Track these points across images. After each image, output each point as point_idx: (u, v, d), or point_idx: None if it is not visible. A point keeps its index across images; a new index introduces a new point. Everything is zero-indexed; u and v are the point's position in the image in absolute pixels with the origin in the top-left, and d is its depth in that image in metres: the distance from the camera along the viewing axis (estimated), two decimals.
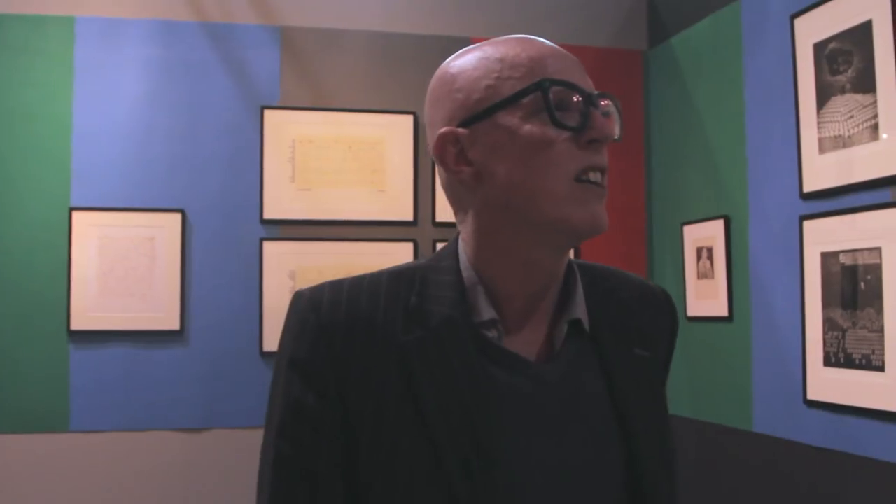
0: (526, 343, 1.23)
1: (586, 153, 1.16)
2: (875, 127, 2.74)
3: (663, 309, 1.39)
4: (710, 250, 3.65)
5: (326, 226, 3.85)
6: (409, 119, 3.93)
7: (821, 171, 2.99)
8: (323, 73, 3.92)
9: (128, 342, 3.67)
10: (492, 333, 1.21)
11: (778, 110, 3.25)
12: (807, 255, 3.06)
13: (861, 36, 2.84)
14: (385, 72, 3.97)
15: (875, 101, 2.76)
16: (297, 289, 3.68)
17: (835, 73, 2.95)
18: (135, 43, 3.74)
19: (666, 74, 4.10)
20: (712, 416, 3.66)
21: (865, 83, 2.81)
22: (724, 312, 3.56)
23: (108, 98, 3.70)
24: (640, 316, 1.34)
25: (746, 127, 3.45)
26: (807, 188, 3.06)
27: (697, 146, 3.81)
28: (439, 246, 3.91)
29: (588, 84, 1.20)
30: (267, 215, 3.80)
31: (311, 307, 1.22)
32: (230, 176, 3.80)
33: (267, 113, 3.83)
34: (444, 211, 3.93)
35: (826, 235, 2.96)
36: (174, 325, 3.69)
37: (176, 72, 3.78)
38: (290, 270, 3.79)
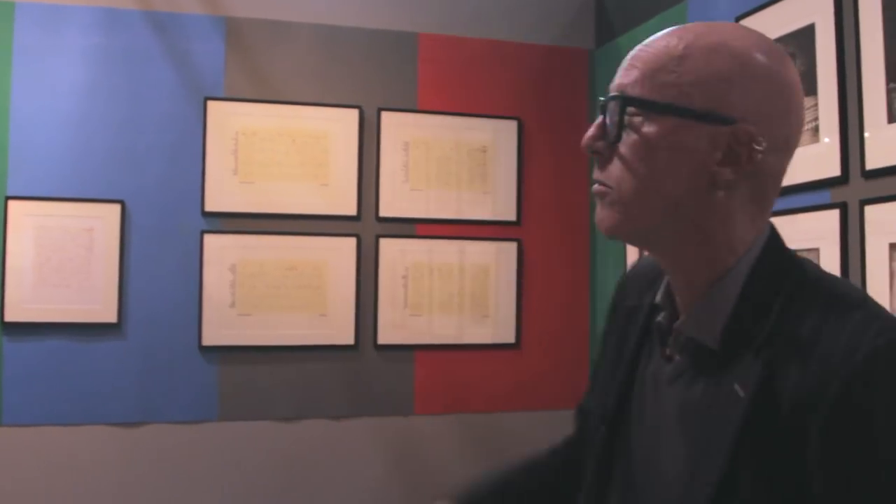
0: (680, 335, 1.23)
1: None
2: (816, 129, 2.77)
3: (828, 385, 1.01)
4: None
5: (269, 219, 3.81)
6: (354, 113, 3.91)
7: None
8: (268, 66, 3.88)
9: (63, 334, 3.60)
10: (659, 318, 1.26)
11: None
12: None
13: (804, 39, 2.86)
14: (331, 65, 3.94)
15: (816, 104, 2.78)
16: (237, 282, 3.67)
17: None
18: (76, 30, 3.67)
19: (612, 74, 4.09)
20: None
21: (807, 86, 2.83)
22: None
23: (47, 86, 3.63)
24: (794, 369, 1.05)
25: None
26: None
27: None
28: (382, 241, 3.89)
29: (619, 83, 1.20)
30: (208, 208, 3.75)
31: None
32: (171, 167, 3.74)
33: (210, 104, 3.78)
34: (388, 206, 3.91)
35: None
36: (111, 317, 3.63)
37: (118, 61, 3.71)
38: (231, 264, 3.75)
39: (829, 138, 2.71)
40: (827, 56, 2.76)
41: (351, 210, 3.89)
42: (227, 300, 3.74)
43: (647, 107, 1.14)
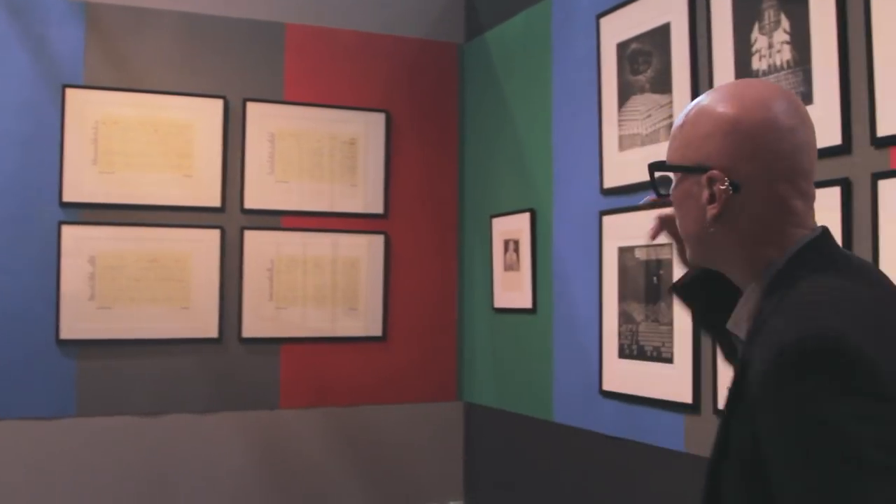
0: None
1: None
2: (671, 126, 2.83)
3: (759, 369, 1.25)
4: (516, 243, 3.71)
5: (130, 210, 3.73)
6: (218, 104, 3.85)
7: (620, 168, 3.08)
8: (130, 53, 3.79)
9: None
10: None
11: (583, 107, 3.33)
12: (605, 249, 3.14)
13: (660, 38, 2.93)
14: (195, 54, 3.87)
15: (671, 102, 2.86)
16: (96, 275, 3.58)
17: (635, 72, 3.04)
18: None
19: (480, 68, 4.14)
20: (515, 407, 3.72)
21: (663, 84, 2.90)
22: (528, 304, 3.62)
23: None
24: (756, 355, 1.27)
25: (553, 123, 3.52)
26: (606, 184, 3.14)
27: (507, 140, 3.86)
28: (247, 234, 3.85)
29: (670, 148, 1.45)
30: (66, 198, 3.65)
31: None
32: (28, 156, 3.63)
33: (69, 92, 3.67)
34: (253, 198, 3.87)
35: (623, 230, 3.05)
36: None
37: None
38: (90, 256, 3.66)
39: None
40: (681, 55, 2.84)
41: (215, 202, 3.84)
42: (86, 293, 3.65)
43: (664, 168, 1.44)
